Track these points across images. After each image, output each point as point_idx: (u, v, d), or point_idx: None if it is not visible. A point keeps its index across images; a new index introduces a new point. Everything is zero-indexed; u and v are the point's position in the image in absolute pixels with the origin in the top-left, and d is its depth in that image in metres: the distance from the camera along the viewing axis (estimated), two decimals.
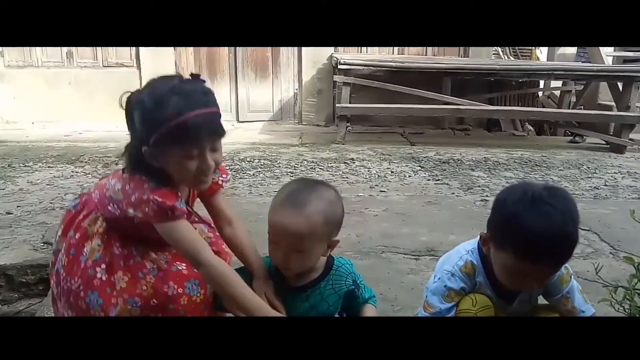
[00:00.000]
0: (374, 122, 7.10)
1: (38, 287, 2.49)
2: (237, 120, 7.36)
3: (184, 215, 1.45)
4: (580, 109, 7.01)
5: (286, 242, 1.40)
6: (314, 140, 6.18)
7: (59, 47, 7.02)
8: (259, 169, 4.62)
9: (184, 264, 1.60)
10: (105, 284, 1.52)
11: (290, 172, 4.56)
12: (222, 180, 1.63)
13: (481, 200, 3.74)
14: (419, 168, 4.82)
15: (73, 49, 7.03)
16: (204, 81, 1.49)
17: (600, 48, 7.18)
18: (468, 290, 1.54)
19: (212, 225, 1.71)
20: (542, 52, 10.12)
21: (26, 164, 4.66)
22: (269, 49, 7.28)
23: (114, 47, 7.03)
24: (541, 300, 1.62)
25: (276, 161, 4.95)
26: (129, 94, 1.46)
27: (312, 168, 4.74)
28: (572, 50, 8.57)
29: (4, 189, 3.88)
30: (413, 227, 3.12)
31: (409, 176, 4.51)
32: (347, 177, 4.42)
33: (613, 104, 6.42)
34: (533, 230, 1.30)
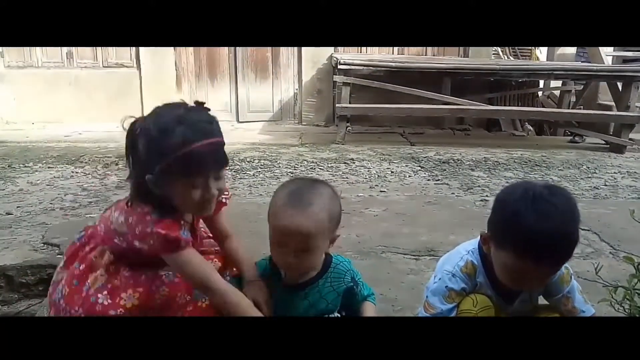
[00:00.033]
0: (374, 122, 7.10)
1: (38, 288, 2.48)
2: (237, 120, 7.37)
3: (189, 243, 1.46)
4: (580, 108, 7.01)
5: (293, 243, 1.41)
6: (314, 140, 6.18)
7: (59, 48, 7.02)
8: (259, 169, 4.62)
9: None
10: (107, 307, 1.50)
11: (290, 172, 4.56)
12: (225, 199, 1.64)
13: (481, 200, 3.74)
14: (419, 168, 4.82)
15: (73, 49, 7.03)
16: (209, 109, 1.51)
17: (600, 48, 7.18)
18: (469, 290, 1.54)
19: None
20: (541, 52, 10.12)
21: (26, 165, 4.66)
22: (269, 49, 7.28)
23: (114, 48, 7.03)
24: (541, 301, 1.62)
25: (276, 161, 4.95)
26: (133, 119, 1.47)
27: (312, 168, 4.74)
28: (572, 50, 8.57)
29: (4, 190, 3.88)
30: (413, 227, 3.12)
31: (409, 176, 4.51)
32: (347, 177, 4.42)
33: (613, 103, 6.42)
34: (534, 229, 1.30)
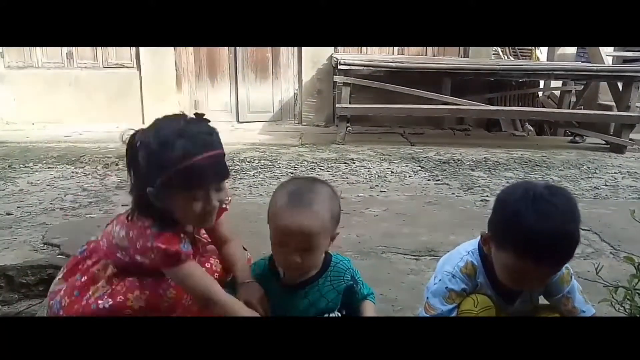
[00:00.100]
0: (374, 122, 7.10)
1: (38, 288, 2.48)
2: (237, 120, 7.37)
3: (190, 256, 1.46)
4: (580, 109, 7.01)
5: (296, 243, 1.41)
6: (314, 140, 6.18)
7: (59, 48, 7.02)
8: (259, 170, 4.62)
9: None
10: (113, 308, 1.49)
11: (290, 172, 4.56)
12: (225, 204, 1.64)
13: (481, 201, 3.74)
14: (419, 168, 4.82)
15: (73, 50, 7.04)
16: (209, 120, 1.51)
17: (600, 48, 7.18)
18: (469, 291, 1.54)
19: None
20: (542, 52, 10.12)
21: (26, 165, 4.66)
22: (269, 49, 7.28)
23: (114, 48, 7.03)
24: (542, 301, 1.62)
25: (276, 162, 4.95)
26: (132, 131, 1.47)
27: (312, 168, 4.74)
28: (572, 50, 8.57)
29: (4, 190, 3.88)
30: (413, 228, 3.12)
31: (409, 176, 4.51)
32: (347, 178, 4.42)
33: (613, 104, 6.42)
34: (534, 230, 1.30)
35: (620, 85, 6.17)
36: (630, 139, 5.94)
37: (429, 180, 4.40)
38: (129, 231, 1.47)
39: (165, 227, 1.44)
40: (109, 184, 4.07)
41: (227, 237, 1.68)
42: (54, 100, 6.93)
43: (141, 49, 7.00)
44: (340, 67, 5.99)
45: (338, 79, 6.16)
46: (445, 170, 4.76)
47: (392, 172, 4.64)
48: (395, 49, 7.45)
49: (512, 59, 9.20)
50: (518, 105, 7.61)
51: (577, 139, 6.59)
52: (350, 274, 1.58)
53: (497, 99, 7.57)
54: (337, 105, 6.26)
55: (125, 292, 1.49)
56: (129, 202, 1.54)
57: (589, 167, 5.02)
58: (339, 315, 1.57)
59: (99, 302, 1.49)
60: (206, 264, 1.63)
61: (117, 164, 4.74)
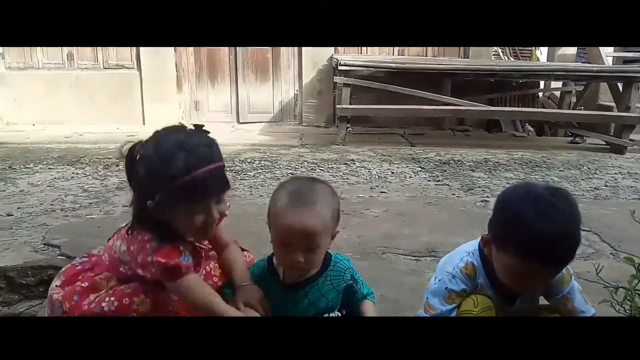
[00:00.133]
0: (374, 123, 7.10)
1: (38, 289, 2.48)
2: (238, 121, 7.37)
3: (190, 269, 1.46)
4: (581, 109, 7.00)
5: (300, 242, 1.41)
6: (314, 141, 6.18)
7: (60, 49, 7.03)
8: (259, 170, 4.62)
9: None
10: (119, 310, 1.49)
11: (290, 173, 4.56)
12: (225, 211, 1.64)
13: (482, 201, 3.74)
14: (420, 169, 4.82)
15: (73, 51, 7.04)
16: (208, 132, 1.51)
17: (600, 48, 7.18)
18: (469, 291, 1.54)
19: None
20: (542, 53, 10.13)
21: (27, 166, 4.66)
22: (269, 50, 7.28)
23: (114, 49, 7.04)
24: (541, 301, 1.61)
25: (276, 162, 4.95)
26: (131, 144, 1.46)
27: (312, 169, 4.74)
28: (572, 50, 8.57)
29: (4, 191, 3.88)
30: (413, 228, 3.12)
31: (410, 177, 4.51)
32: (347, 178, 4.42)
33: (613, 104, 6.42)
34: (536, 231, 1.30)
35: (620, 85, 6.17)
36: (631, 140, 5.94)
37: (429, 181, 4.40)
38: (130, 245, 1.47)
39: (165, 241, 1.44)
40: (109, 184, 4.07)
41: (226, 241, 1.68)
42: (54, 101, 6.94)
43: (141, 49, 7.00)
44: (340, 67, 5.99)
45: (338, 79, 6.16)
46: (445, 170, 4.76)
47: (392, 172, 4.64)
48: (396, 49, 7.45)
49: (512, 59, 9.21)
50: (518, 106, 7.61)
51: (577, 139, 6.59)
52: (350, 273, 1.58)
53: (498, 99, 7.57)
54: (337, 106, 6.26)
55: (131, 295, 1.49)
56: (129, 200, 1.53)
57: (589, 168, 5.02)
58: (339, 315, 1.57)
59: (103, 304, 1.49)
60: (206, 267, 1.63)
61: (117, 165, 4.74)
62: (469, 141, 6.53)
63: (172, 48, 7.06)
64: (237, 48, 7.21)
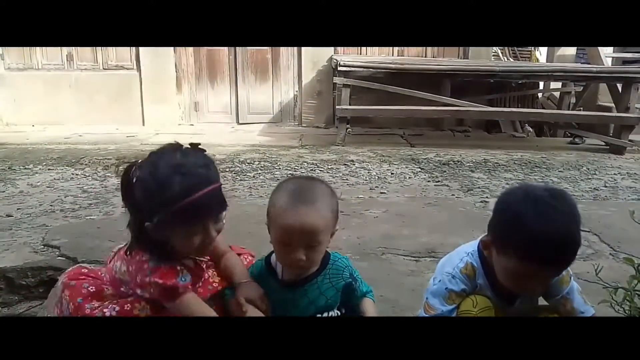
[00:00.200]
0: (374, 123, 7.11)
1: (38, 290, 2.48)
2: (237, 122, 7.37)
3: (187, 289, 1.46)
4: (580, 110, 7.01)
5: (301, 241, 1.42)
6: (314, 142, 6.18)
7: (59, 50, 7.04)
8: (259, 171, 4.62)
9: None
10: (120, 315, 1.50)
11: (290, 174, 4.56)
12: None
13: (481, 202, 3.74)
14: (419, 169, 4.82)
15: (73, 51, 7.05)
16: (204, 150, 1.50)
17: (599, 49, 7.19)
18: (469, 292, 1.54)
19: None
20: (541, 54, 10.14)
21: (26, 167, 4.66)
22: (269, 50, 7.29)
23: (114, 50, 7.05)
24: (541, 301, 1.61)
25: (276, 163, 4.95)
26: (127, 165, 1.46)
27: (312, 170, 4.74)
28: (572, 51, 8.58)
29: (4, 192, 3.88)
30: (413, 229, 3.12)
31: (409, 178, 4.51)
32: (347, 179, 4.42)
33: (612, 105, 6.43)
34: (536, 233, 1.30)
35: (619, 86, 6.17)
36: (630, 140, 5.94)
37: (428, 181, 4.40)
38: (129, 266, 1.48)
39: (163, 261, 1.44)
40: (109, 185, 4.07)
41: (223, 250, 1.68)
42: (54, 101, 6.94)
43: (141, 50, 7.01)
44: (340, 68, 5.99)
45: (338, 80, 6.16)
46: (445, 171, 4.76)
47: (392, 173, 4.64)
48: (395, 50, 7.46)
49: (511, 60, 9.21)
50: (518, 107, 7.61)
51: (576, 140, 6.59)
52: (348, 271, 1.59)
53: (497, 100, 7.57)
54: (337, 107, 6.27)
55: (133, 301, 1.49)
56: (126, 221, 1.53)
57: (588, 169, 5.02)
58: (339, 313, 1.58)
59: (105, 310, 1.50)
60: (204, 275, 1.63)
61: (117, 166, 4.74)
62: (469, 142, 6.53)
63: (172, 49, 7.07)
64: (237, 48, 7.21)
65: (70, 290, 1.55)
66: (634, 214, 1.56)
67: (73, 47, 7.02)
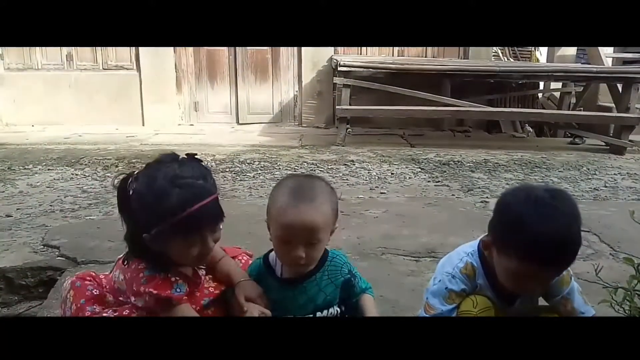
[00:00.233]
0: (374, 123, 7.10)
1: (38, 290, 2.48)
2: (237, 122, 7.37)
3: (181, 299, 1.46)
4: (580, 110, 7.01)
5: (301, 238, 1.42)
6: (314, 142, 6.18)
7: (59, 50, 7.03)
8: (259, 171, 4.62)
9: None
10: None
11: (290, 174, 4.56)
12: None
13: (481, 202, 3.74)
14: (419, 170, 4.82)
15: (73, 51, 7.04)
16: (201, 160, 1.50)
17: (600, 49, 7.19)
18: (469, 291, 1.54)
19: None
20: (541, 54, 10.13)
21: (26, 167, 4.66)
22: (268, 51, 7.29)
23: (113, 50, 7.04)
24: (541, 302, 1.61)
25: (276, 163, 4.95)
26: (123, 176, 1.46)
27: (312, 170, 4.74)
28: (572, 51, 8.57)
29: (3, 192, 3.88)
30: (413, 229, 3.12)
31: (409, 178, 4.51)
32: (347, 179, 4.42)
33: (613, 105, 6.42)
34: (537, 233, 1.30)
35: (619, 86, 6.17)
36: (630, 140, 5.94)
37: (429, 181, 4.40)
38: (125, 274, 1.48)
39: (159, 271, 1.44)
40: (108, 185, 4.07)
41: (219, 256, 1.69)
42: (53, 102, 6.94)
43: (141, 50, 7.00)
44: (340, 68, 5.99)
45: (338, 80, 6.16)
46: (445, 171, 4.76)
47: (392, 173, 4.64)
48: (395, 50, 7.45)
49: (511, 60, 9.21)
50: (518, 107, 7.61)
51: (576, 140, 6.60)
52: (347, 267, 1.60)
53: (497, 100, 7.57)
54: (337, 107, 6.27)
55: (130, 309, 1.49)
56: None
57: (588, 169, 5.02)
58: (339, 309, 1.58)
59: (104, 314, 1.50)
60: (202, 281, 1.63)
61: (116, 166, 4.75)
62: (469, 142, 6.53)
63: (172, 49, 7.06)
64: (237, 49, 7.20)
65: (75, 291, 1.56)
66: (634, 214, 1.56)
67: (73, 47, 7.01)
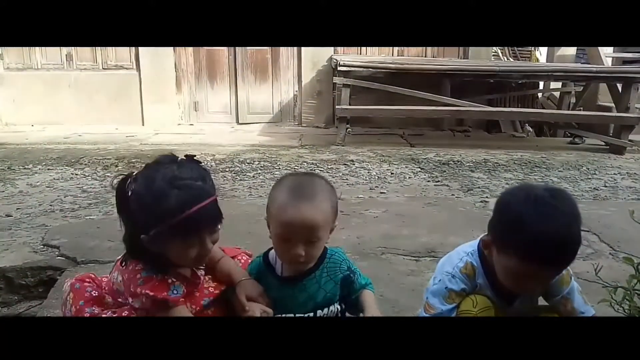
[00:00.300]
0: (374, 123, 7.10)
1: (38, 290, 2.48)
2: (237, 122, 7.37)
3: (178, 302, 1.46)
4: (580, 110, 7.01)
5: (302, 236, 1.43)
6: (314, 142, 6.18)
7: (59, 50, 7.03)
8: (259, 171, 4.62)
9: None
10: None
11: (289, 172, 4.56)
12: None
13: (481, 202, 3.74)
14: (419, 169, 4.82)
15: (72, 51, 7.04)
16: (200, 162, 1.50)
17: (599, 49, 7.19)
18: (469, 291, 1.54)
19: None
20: (541, 54, 10.13)
21: (26, 167, 4.66)
22: (268, 50, 7.28)
23: (113, 50, 7.04)
24: (541, 301, 1.61)
25: (276, 163, 4.95)
26: (122, 177, 1.46)
27: (311, 170, 4.74)
28: (572, 51, 8.58)
29: (3, 192, 3.88)
30: (413, 229, 3.12)
31: (409, 178, 4.51)
32: (347, 179, 4.42)
33: (612, 105, 6.43)
34: (537, 233, 1.30)
35: (619, 86, 6.18)
36: (630, 140, 5.94)
37: (428, 181, 4.40)
38: (123, 275, 1.48)
39: (156, 272, 1.44)
40: (108, 185, 4.07)
41: (218, 257, 1.69)
42: (53, 101, 6.93)
43: (141, 50, 7.00)
44: (340, 68, 5.99)
45: (338, 80, 6.16)
46: (445, 171, 4.76)
47: (391, 173, 4.64)
48: (395, 50, 7.45)
49: (511, 60, 9.21)
50: (518, 107, 7.61)
51: (576, 140, 6.60)
52: (346, 264, 1.61)
53: (497, 100, 7.57)
54: (336, 107, 6.27)
55: (130, 308, 1.49)
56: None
57: (588, 168, 5.03)
58: (339, 307, 1.58)
59: (102, 316, 1.50)
60: (201, 281, 1.63)
61: (116, 166, 4.75)
62: (469, 142, 6.53)
63: (172, 48, 7.06)
64: (237, 48, 7.20)
65: (74, 293, 1.56)
66: (633, 214, 1.56)
67: (72, 47, 7.01)
